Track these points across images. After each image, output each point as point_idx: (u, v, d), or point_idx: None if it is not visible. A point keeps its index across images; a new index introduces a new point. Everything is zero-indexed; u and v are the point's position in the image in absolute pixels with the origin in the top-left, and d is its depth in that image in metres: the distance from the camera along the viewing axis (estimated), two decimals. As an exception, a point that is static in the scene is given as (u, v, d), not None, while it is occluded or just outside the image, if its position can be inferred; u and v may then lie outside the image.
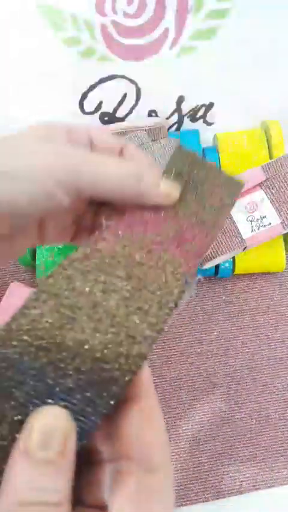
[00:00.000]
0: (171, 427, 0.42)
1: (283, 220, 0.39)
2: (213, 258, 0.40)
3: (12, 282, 0.44)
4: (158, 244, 0.21)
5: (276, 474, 0.40)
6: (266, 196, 0.40)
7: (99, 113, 0.45)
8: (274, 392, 0.43)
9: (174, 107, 0.45)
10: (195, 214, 0.23)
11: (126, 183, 0.21)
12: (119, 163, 0.22)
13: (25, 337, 0.17)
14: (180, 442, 0.41)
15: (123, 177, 0.21)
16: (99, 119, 0.45)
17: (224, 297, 0.46)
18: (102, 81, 0.42)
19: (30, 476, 0.14)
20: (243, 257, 0.43)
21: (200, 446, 0.41)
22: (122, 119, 0.46)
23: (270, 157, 0.43)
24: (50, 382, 0.16)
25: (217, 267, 0.44)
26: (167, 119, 0.46)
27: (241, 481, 0.40)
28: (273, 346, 0.44)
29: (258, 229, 0.40)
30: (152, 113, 0.45)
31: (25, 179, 0.19)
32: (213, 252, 0.39)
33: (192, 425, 0.42)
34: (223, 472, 0.40)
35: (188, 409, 0.42)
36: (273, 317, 0.45)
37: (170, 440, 0.41)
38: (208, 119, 0.47)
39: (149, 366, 0.33)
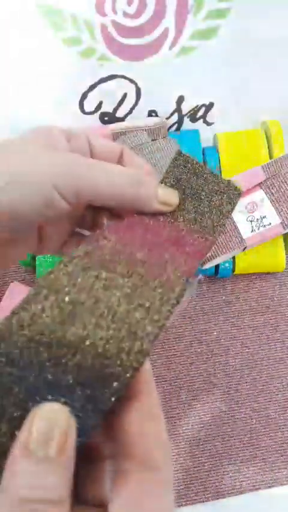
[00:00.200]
0: (171, 427, 0.42)
1: (283, 220, 0.39)
2: (213, 258, 0.39)
3: (12, 282, 0.44)
4: (159, 245, 0.21)
5: (276, 474, 0.40)
6: (266, 196, 0.40)
7: (99, 112, 0.45)
8: (274, 392, 0.43)
9: (174, 107, 0.45)
10: (195, 220, 0.24)
11: (125, 190, 0.22)
12: (119, 169, 0.22)
13: (25, 332, 0.16)
14: (180, 442, 0.41)
15: (123, 184, 0.22)
16: (99, 118, 0.45)
17: (224, 297, 0.46)
18: (102, 81, 0.42)
19: (30, 474, 0.14)
20: (243, 257, 0.43)
21: (200, 446, 0.41)
22: (122, 119, 0.46)
23: (270, 157, 0.43)
24: (50, 378, 0.16)
25: (217, 267, 0.44)
26: (167, 119, 0.46)
27: (241, 481, 0.40)
28: (273, 346, 0.44)
29: (258, 229, 0.40)
30: (152, 113, 0.45)
31: (26, 185, 0.19)
32: (213, 252, 0.39)
33: (192, 425, 0.42)
34: (223, 472, 0.40)
35: (188, 409, 0.42)
36: (273, 317, 0.45)
37: (170, 440, 0.41)
38: (208, 119, 0.47)
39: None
